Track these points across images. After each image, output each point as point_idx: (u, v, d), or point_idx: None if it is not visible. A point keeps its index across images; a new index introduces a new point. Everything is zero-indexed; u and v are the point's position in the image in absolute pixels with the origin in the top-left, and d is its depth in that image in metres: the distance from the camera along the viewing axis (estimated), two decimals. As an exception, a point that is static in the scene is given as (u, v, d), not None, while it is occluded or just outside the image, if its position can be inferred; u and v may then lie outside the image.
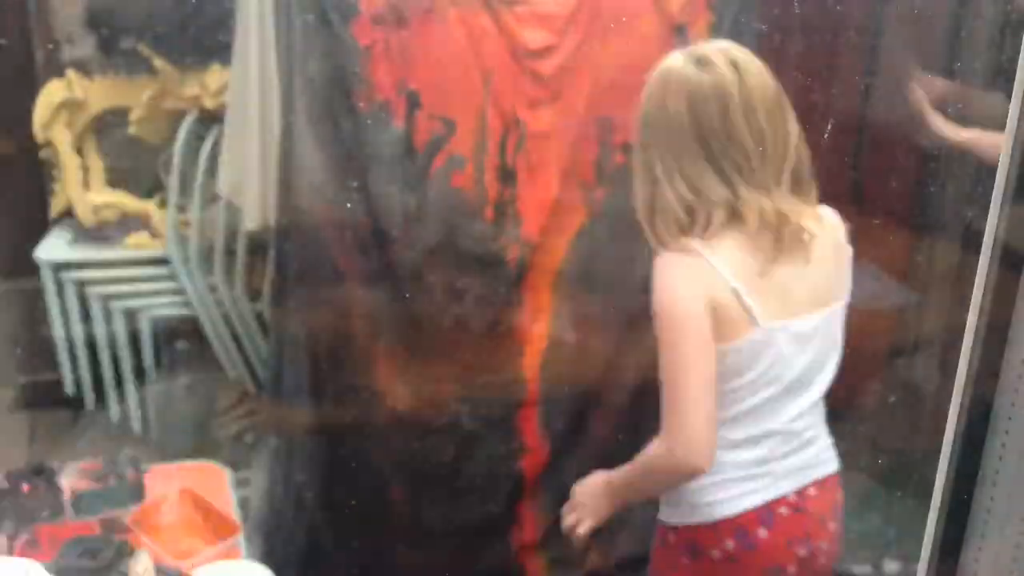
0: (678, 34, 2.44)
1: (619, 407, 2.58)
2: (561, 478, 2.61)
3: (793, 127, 1.58)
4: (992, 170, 1.03)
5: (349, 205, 2.30)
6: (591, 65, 2.38)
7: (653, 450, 1.60)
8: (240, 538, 1.90)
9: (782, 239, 1.54)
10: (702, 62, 1.56)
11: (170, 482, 2.06)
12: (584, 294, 2.51)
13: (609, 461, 2.67)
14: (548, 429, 2.55)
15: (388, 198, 2.29)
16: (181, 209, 2.93)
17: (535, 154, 2.39)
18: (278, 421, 2.48)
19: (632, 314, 2.53)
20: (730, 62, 1.55)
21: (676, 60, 1.61)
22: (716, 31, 2.46)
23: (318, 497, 2.48)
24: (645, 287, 2.43)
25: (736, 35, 2.46)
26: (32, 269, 2.93)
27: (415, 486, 2.51)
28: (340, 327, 2.38)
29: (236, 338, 3.05)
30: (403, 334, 2.40)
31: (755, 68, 1.56)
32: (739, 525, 1.62)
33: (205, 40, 2.80)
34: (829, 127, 2.91)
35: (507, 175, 2.38)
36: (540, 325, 2.50)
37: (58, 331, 2.98)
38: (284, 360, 2.39)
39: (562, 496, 2.69)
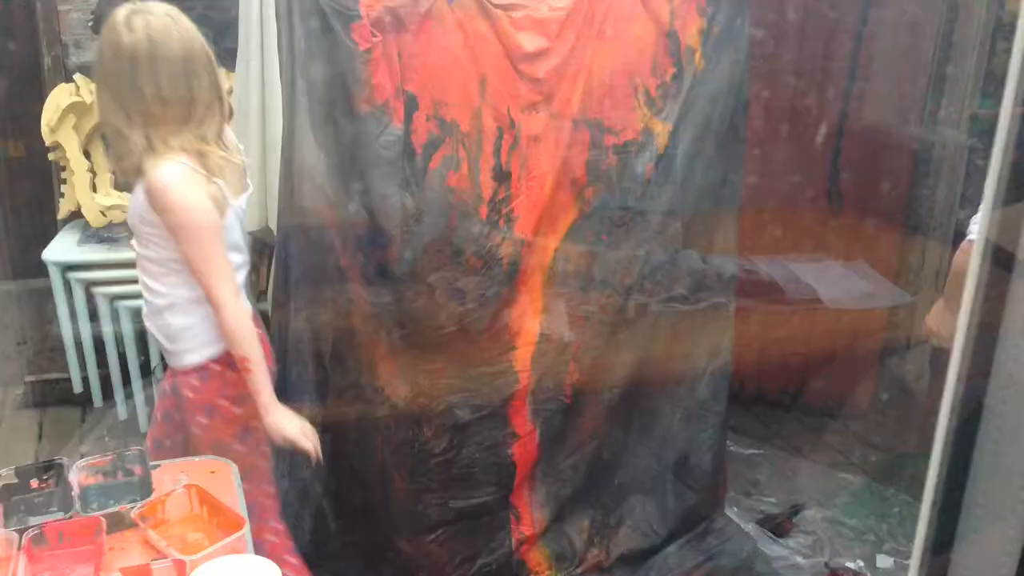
0: (670, 38, 2.46)
1: (607, 398, 2.61)
2: (552, 468, 2.65)
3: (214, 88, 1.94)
4: (983, 171, 1.06)
5: (349, 205, 2.31)
6: (584, 68, 2.40)
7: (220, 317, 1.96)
8: (246, 533, 1.89)
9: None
10: (130, 27, 1.85)
11: (177, 478, 2.05)
12: (574, 291, 2.53)
13: (598, 449, 2.70)
14: (538, 419, 2.58)
15: (387, 198, 2.30)
16: (187, 211, 2.95)
17: (529, 155, 2.41)
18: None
19: (621, 309, 2.57)
20: (147, 30, 1.86)
21: (120, 17, 1.86)
22: (707, 35, 2.48)
23: (322, 490, 2.50)
24: (640, 284, 2.47)
25: (727, 39, 2.48)
26: (40, 270, 2.95)
27: (413, 476, 2.52)
28: (339, 324, 2.39)
29: (240, 337, 3.07)
30: (400, 330, 2.40)
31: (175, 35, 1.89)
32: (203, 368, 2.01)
33: (211, 46, 2.81)
34: (821, 129, 2.95)
35: (501, 175, 2.40)
36: (532, 321, 2.52)
37: (66, 330, 3.00)
38: (287, 357, 2.40)
39: (555, 488, 2.72)
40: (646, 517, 2.76)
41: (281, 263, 2.38)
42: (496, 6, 2.30)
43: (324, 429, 2.47)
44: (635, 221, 2.52)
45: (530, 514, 2.66)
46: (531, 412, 2.56)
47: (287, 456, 2.46)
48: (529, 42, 2.34)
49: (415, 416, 2.46)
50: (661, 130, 2.51)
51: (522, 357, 2.52)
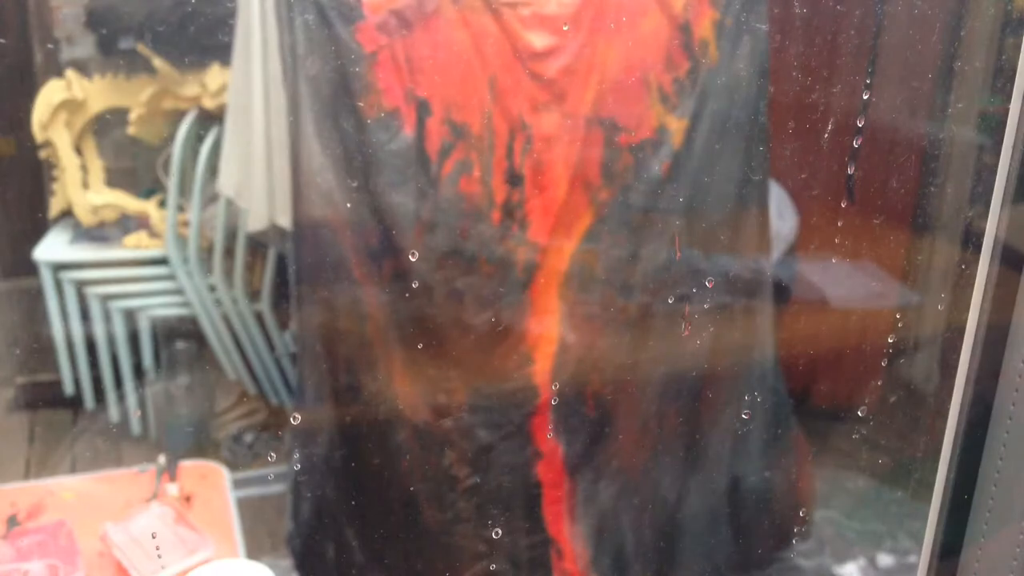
0: (683, 31, 2.42)
1: (638, 414, 2.57)
2: (590, 497, 2.59)
3: None
4: (993, 169, 1.03)
5: (360, 214, 2.29)
6: (595, 65, 2.36)
7: None
8: (236, 538, 1.89)
9: None
10: None
11: (164, 486, 2.05)
12: (592, 296, 2.50)
13: (638, 475, 2.65)
14: (560, 435, 2.53)
15: (399, 204, 2.28)
16: (180, 209, 2.93)
17: (541, 157, 2.37)
18: (306, 428, 2.46)
19: (641, 315, 2.52)
20: None
21: None
22: (720, 28, 2.44)
23: (346, 520, 2.48)
24: (653, 287, 2.42)
25: (743, 31, 2.44)
26: (31, 269, 2.93)
27: (443, 506, 2.49)
28: (351, 334, 2.37)
29: (235, 338, 3.05)
30: (411, 340, 2.38)
31: None
32: None
33: (205, 40, 2.79)
34: (831, 125, 2.91)
35: (514, 178, 2.36)
36: (549, 328, 2.48)
37: (57, 331, 2.98)
38: (303, 368, 2.38)
39: (596, 519, 2.65)
40: (701, 554, 2.69)
41: (295, 274, 2.37)
42: (503, 3, 2.27)
43: (345, 454, 2.45)
44: (654, 221, 2.48)
45: (572, 549, 2.61)
46: (553, 427, 2.52)
47: (309, 482, 2.44)
48: (538, 40, 2.31)
49: (438, 439, 2.43)
50: (677, 127, 2.47)
51: (541, 367, 2.48)
